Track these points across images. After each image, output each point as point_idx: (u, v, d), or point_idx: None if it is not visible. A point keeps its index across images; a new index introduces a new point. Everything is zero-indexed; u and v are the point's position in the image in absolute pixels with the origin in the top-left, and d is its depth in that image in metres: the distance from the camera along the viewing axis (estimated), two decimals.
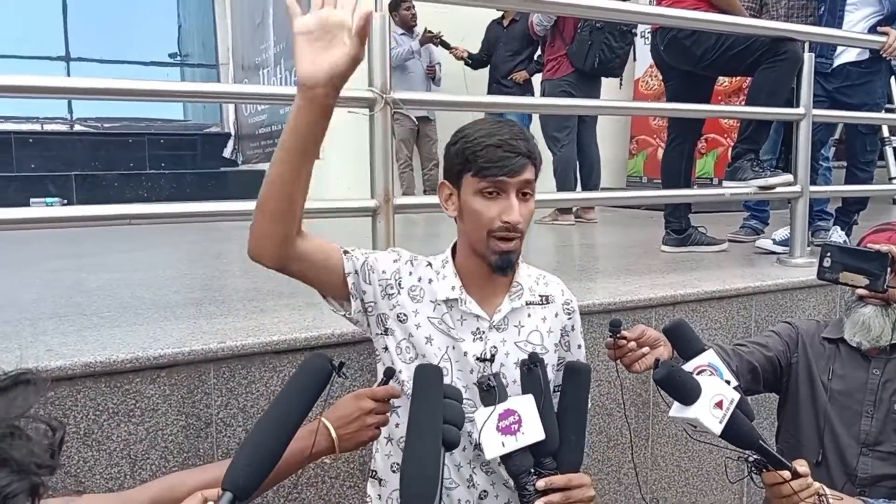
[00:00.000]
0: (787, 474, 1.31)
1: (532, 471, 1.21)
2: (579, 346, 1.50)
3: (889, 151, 6.38)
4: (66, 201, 6.26)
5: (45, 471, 0.49)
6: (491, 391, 1.22)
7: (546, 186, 5.07)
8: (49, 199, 6.30)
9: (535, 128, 5.06)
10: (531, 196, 1.35)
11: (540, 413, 1.21)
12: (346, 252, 1.40)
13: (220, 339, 1.79)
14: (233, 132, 8.72)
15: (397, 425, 1.40)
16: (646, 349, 1.44)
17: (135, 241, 4.14)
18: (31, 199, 6.17)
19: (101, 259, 3.47)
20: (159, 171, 7.63)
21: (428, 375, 1.14)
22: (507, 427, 1.19)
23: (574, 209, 5.00)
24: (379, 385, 1.30)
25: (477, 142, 1.31)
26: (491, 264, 1.33)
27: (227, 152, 8.60)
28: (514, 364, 1.37)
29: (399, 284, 1.41)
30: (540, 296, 1.44)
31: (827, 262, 1.57)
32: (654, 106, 4.41)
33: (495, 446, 1.19)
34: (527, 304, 1.41)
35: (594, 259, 3.49)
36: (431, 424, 1.07)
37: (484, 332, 1.38)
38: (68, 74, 8.94)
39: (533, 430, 1.19)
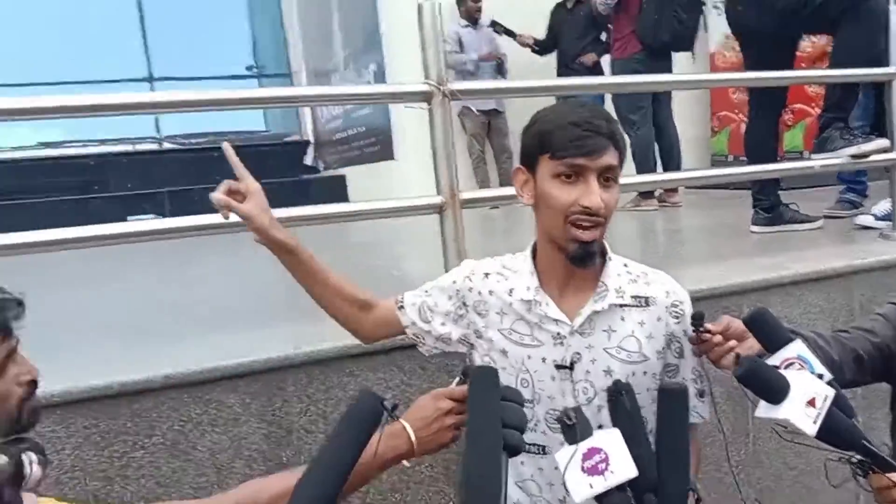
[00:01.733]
0: None
1: None
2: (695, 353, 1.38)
3: None
4: (159, 217, 6.54)
5: None
6: (572, 428, 1.12)
7: (625, 172, 4.90)
8: (143, 217, 6.59)
9: (609, 110, 4.90)
10: (614, 183, 1.25)
11: (630, 446, 1.11)
12: (400, 307, 1.44)
13: (296, 344, 1.80)
14: (312, 140, 8.89)
15: None
16: (733, 342, 1.32)
17: (224, 250, 4.27)
18: (129, 217, 6.47)
19: (184, 272, 3.57)
20: None
21: (483, 378, 1.08)
22: (594, 467, 1.10)
23: (657, 193, 4.82)
24: (457, 385, 1.26)
25: (554, 121, 1.23)
26: (568, 254, 1.24)
27: (308, 159, 8.78)
28: (602, 372, 1.28)
29: (464, 304, 1.38)
30: (634, 297, 1.32)
31: None
32: (729, 77, 4.19)
33: (583, 489, 1.09)
34: (619, 306, 1.30)
35: (679, 244, 3.35)
36: (489, 430, 1.02)
37: (565, 338, 1.29)
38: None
39: (623, 468, 1.09)
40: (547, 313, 1.29)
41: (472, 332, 1.38)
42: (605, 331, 1.30)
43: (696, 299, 2.12)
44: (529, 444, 1.32)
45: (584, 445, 1.10)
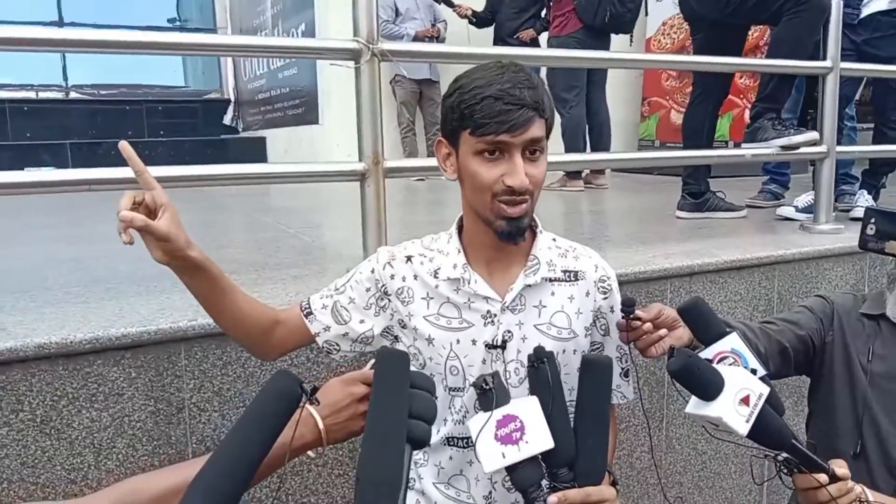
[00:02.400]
0: (823, 477, 1.14)
1: (544, 484, 1.05)
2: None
3: None
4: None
5: None
6: (487, 393, 1.05)
7: (554, 150, 4.86)
8: (43, 168, 6.14)
9: None
10: (541, 154, 1.15)
11: (549, 417, 1.04)
12: (307, 314, 1.30)
13: (192, 317, 1.63)
14: (232, 98, 8.50)
15: None
16: (663, 331, 1.26)
17: None
18: (26, 168, 6.01)
19: (88, 229, 3.31)
20: (157, 138, 7.44)
21: (391, 362, 0.96)
22: (508, 435, 1.03)
23: (583, 174, 4.80)
24: (372, 367, 1.15)
25: (473, 93, 1.11)
26: (496, 231, 1.16)
27: (227, 119, 8.40)
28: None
29: (385, 293, 1.26)
30: (564, 271, 1.25)
31: (871, 230, 1.37)
32: (668, 58, 4.19)
33: (494, 458, 1.03)
34: (548, 280, 1.23)
35: (604, 226, 3.31)
36: (394, 419, 0.91)
37: (496, 315, 1.20)
38: None
39: (538, 438, 1.03)
40: (476, 291, 1.21)
41: (395, 323, 1.27)
42: (535, 306, 1.22)
43: (620, 283, 2.08)
44: (458, 437, 1.24)
45: (498, 412, 1.03)
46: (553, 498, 1.03)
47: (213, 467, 0.88)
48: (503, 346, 1.19)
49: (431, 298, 1.23)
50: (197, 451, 1.65)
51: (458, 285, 1.21)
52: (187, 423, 1.65)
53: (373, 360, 1.15)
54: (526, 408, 1.05)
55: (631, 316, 1.25)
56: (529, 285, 1.21)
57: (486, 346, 1.19)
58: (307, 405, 0.99)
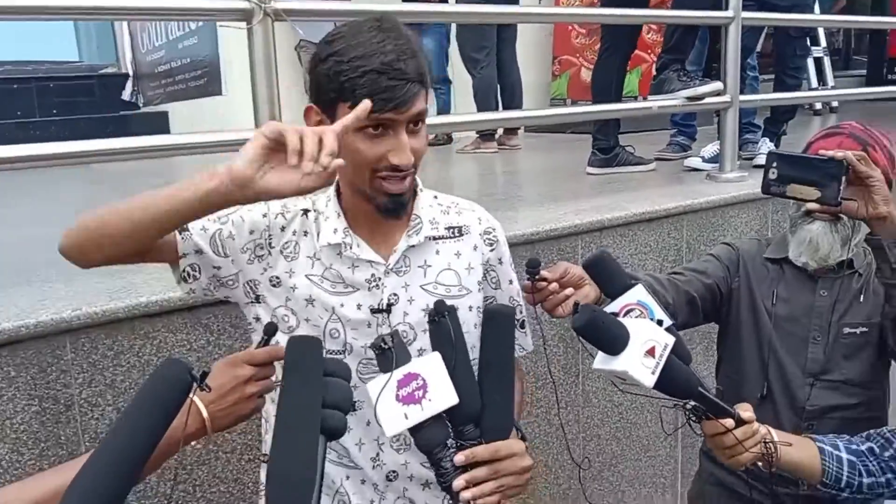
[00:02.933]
0: (729, 422, 1.14)
1: (450, 443, 1.01)
2: (511, 282, 1.28)
3: (809, 62, 6.32)
4: None
5: None
6: (387, 353, 0.99)
7: (467, 111, 4.80)
8: None
9: (454, 50, 4.76)
10: (423, 125, 1.09)
11: (452, 372, 1.00)
12: (182, 230, 1.13)
13: (76, 306, 1.50)
14: (131, 72, 8.06)
15: None
16: (569, 290, 1.23)
17: (14, 195, 3.72)
18: None
19: None
20: (50, 118, 6.99)
21: (302, 349, 0.89)
22: (410, 395, 0.98)
23: (496, 136, 4.76)
24: (258, 346, 1.07)
25: (353, 64, 1.02)
26: (379, 207, 1.10)
27: (126, 94, 7.97)
28: (421, 312, 1.15)
29: (270, 244, 1.17)
30: (448, 228, 1.21)
31: (773, 174, 1.36)
32: (578, 11, 4.19)
33: (396, 420, 0.97)
34: (432, 239, 1.18)
35: (517, 186, 3.29)
36: (307, 410, 0.84)
37: (380, 279, 1.15)
38: None
39: (442, 395, 0.99)
40: (359, 255, 1.15)
41: (265, 280, 1.17)
42: (420, 267, 1.18)
43: (532, 241, 2.07)
44: None
45: (399, 372, 0.99)
46: (460, 456, 0.99)
47: (95, 466, 0.80)
48: (388, 310, 1.14)
49: (318, 259, 1.16)
50: (90, 449, 1.54)
51: (340, 250, 1.15)
52: (78, 420, 1.53)
53: (258, 340, 1.08)
54: (428, 365, 1.00)
55: (536, 277, 1.21)
56: (413, 245, 1.16)
57: (370, 310, 1.14)
58: (192, 393, 0.92)
